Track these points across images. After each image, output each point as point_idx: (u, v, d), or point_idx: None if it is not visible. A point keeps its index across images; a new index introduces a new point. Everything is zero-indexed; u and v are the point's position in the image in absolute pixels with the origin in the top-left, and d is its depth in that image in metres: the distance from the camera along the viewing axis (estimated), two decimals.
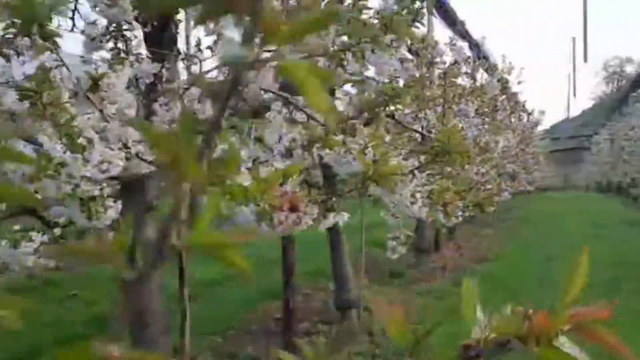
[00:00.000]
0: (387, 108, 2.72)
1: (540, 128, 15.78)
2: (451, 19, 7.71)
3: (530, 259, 7.12)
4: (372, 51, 2.26)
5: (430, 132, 4.00)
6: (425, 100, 4.07)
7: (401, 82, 4.23)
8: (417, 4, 4.37)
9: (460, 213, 2.38)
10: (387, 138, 1.83)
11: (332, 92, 2.61)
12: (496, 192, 6.60)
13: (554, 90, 67.78)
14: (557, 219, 12.29)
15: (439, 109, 4.36)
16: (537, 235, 9.56)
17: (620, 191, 20.83)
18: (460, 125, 4.99)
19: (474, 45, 10.44)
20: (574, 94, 20.37)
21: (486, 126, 6.61)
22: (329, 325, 4.22)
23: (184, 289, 2.45)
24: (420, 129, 4.05)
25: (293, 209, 0.92)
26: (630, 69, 42.89)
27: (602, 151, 18.74)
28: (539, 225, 10.97)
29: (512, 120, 9.70)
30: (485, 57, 9.83)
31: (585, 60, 10.52)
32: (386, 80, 4.17)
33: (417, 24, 4.64)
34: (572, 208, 15.77)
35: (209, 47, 1.85)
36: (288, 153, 1.60)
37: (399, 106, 3.96)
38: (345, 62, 2.62)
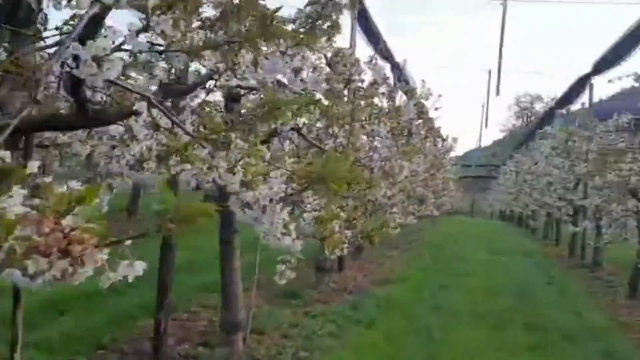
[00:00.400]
0: (286, 121, 2.49)
1: (452, 154, 16.26)
2: (375, 37, 7.67)
3: (429, 285, 7.14)
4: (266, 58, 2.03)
5: (340, 150, 3.82)
6: (334, 116, 3.89)
7: (318, 95, 4.03)
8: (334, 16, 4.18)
9: (345, 246, 2.18)
10: (268, 155, 1.59)
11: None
12: (400, 217, 6.56)
13: (468, 120, 70.95)
14: (459, 244, 12.63)
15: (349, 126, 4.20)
16: (439, 259, 9.70)
17: (521, 221, 21.92)
18: (369, 145, 4.89)
19: (395, 67, 10.53)
20: (486, 125, 21.24)
21: (397, 149, 6.56)
22: (211, 348, 3.90)
23: (18, 312, 2.07)
24: (330, 146, 3.88)
25: (65, 252, 0.65)
26: (539, 107, 45.69)
27: (507, 182, 19.62)
28: (441, 249, 11.19)
29: (427, 144, 9.82)
30: (406, 81, 9.91)
31: (498, 94, 10.92)
32: (296, 89, 3.91)
33: (335, 39, 4.45)
34: (475, 233, 16.36)
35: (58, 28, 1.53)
36: (139, 164, 1.32)
37: (303, 119, 3.74)
38: (238, 64, 2.36)
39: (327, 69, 3.93)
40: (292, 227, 1.47)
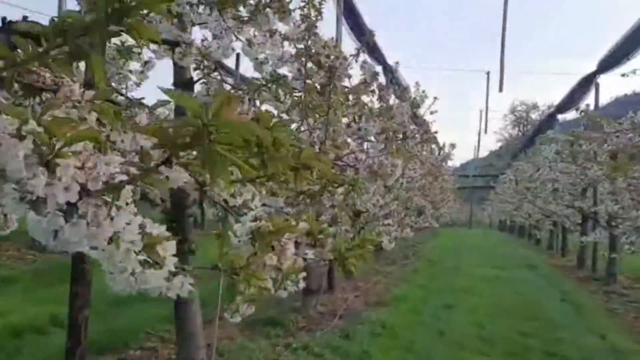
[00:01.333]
0: None
1: (450, 164, 15.57)
2: (360, 29, 6.96)
3: (429, 305, 6.36)
4: None
5: (317, 145, 3.10)
6: (308, 107, 3.16)
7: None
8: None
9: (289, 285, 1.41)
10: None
11: None
12: (396, 230, 5.82)
13: (463, 131, 70.38)
14: (460, 258, 11.84)
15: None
16: (439, 276, 8.91)
17: (522, 232, 21.17)
18: (357, 147, 4.17)
19: (388, 71, 9.81)
20: (485, 131, 20.52)
21: (389, 152, 5.85)
22: None
23: None
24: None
25: None
26: (535, 116, 45.19)
27: (507, 191, 18.89)
28: (441, 265, 10.39)
29: (424, 152, 9.11)
30: (398, 85, 9.17)
31: (501, 90, 10.24)
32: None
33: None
34: (475, 245, 15.57)
35: None
36: None
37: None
38: None
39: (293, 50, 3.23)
40: (168, 254, 0.74)
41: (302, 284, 1.35)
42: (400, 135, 6.75)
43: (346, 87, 4.80)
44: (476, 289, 7.71)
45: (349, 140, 4.12)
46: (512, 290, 7.81)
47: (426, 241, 15.67)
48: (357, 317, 5.52)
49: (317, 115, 3.14)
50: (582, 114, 7.61)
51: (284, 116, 3.54)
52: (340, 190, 2.67)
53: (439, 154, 11.93)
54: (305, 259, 1.33)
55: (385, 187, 4.76)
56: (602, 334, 5.28)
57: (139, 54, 2.71)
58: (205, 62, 2.74)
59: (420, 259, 11.18)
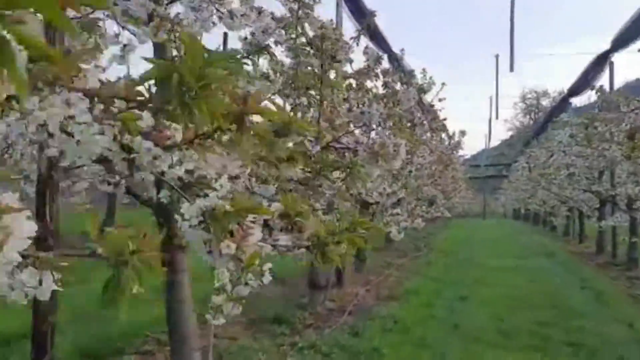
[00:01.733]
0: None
1: (461, 153, 15.26)
2: (360, 11, 6.67)
3: (443, 298, 6.08)
4: None
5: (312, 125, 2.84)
6: (302, 81, 2.92)
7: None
8: None
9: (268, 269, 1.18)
10: None
11: None
12: (406, 220, 5.55)
13: (475, 119, 69.50)
14: (474, 248, 11.53)
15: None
16: (453, 267, 8.63)
17: (537, 219, 20.76)
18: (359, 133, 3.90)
19: (393, 59, 9.50)
20: (496, 116, 20.10)
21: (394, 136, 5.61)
22: None
23: None
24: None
25: None
26: (546, 103, 44.52)
27: (520, 179, 18.51)
28: (454, 256, 10.09)
29: (433, 141, 8.82)
30: (404, 72, 8.85)
31: (512, 69, 9.86)
32: None
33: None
34: (490, 235, 15.23)
35: None
36: None
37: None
38: None
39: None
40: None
41: (267, 277, 1.10)
42: (408, 123, 6.49)
43: (348, 72, 4.55)
44: (492, 279, 7.42)
45: (352, 128, 3.86)
46: (529, 280, 7.51)
47: (439, 232, 15.37)
48: (367, 312, 5.27)
49: (312, 93, 2.89)
50: (598, 93, 7.27)
51: (277, 98, 3.29)
52: (336, 174, 2.41)
53: (449, 143, 11.64)
54: (275, 247, 1.07)
55: (393, 175, 4.50)
56: (629, 322, 4.98)
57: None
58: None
59: (433, 250, 10.89)
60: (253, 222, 1.03)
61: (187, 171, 1.25)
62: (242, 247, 0.97)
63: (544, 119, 21.00)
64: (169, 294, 3.04)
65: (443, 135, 11.22)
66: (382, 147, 2.56)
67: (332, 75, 3.26)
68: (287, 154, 2.41)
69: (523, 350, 4.21)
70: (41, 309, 1.93)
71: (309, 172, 2.49)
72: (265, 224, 1.14)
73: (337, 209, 2.34)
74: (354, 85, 5.08)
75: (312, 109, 2.90)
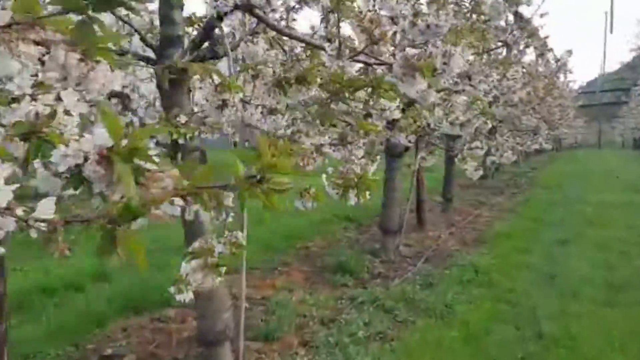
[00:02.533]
0: None
1: (570, 78, 13.61)
2: None
3: (539, 242, 5.29)
4: None
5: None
6: None
7: None
8: None
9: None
10: None
11: None
12: (495, 153, 4.79)
13: (587, 41, 62.97)
14: (584, 183, 10.27)
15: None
16: (556, 204, 7.64)
17: None
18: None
19: None
20: (611, 30, 17.76)
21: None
22: None
23: None
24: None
25: None
26: None
27: None
28: (560, 192, 8.99)
29: (530, 61, 7.68)
30: None
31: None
32: None
33: None
34: (604, 168, 13.65)
35: None
36: None
37: None
38: None
39: None
40: None
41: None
42: (499, 43, 5.55)
43: None
44: (603, 218, 6.43)
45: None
46: None
47: (543, 166, 14.04)
48: (446, 259, 4.66)
49: None
50: None
51: None
52: (361, 95, 1.80)
53: (556, 66, 10.26)
54: None
55: (471, 101, 3.74)
56: None
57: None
58: None
59: (534, 186, 9.82)
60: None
61: None
62: None
63: None
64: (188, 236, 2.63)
65: (549, 56, 9.89)
66: (423, 57, 1.89)
67: None
68: (297, 73, 1.83)
69: (635, 309, 3.44)
70: None
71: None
72: None
73: (351, 141, 1.74)
74: None
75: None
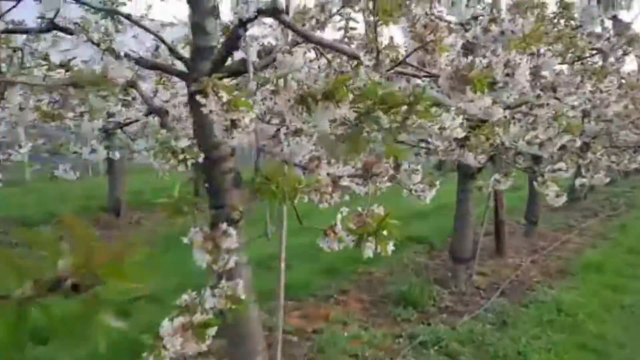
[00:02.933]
0: None
1: None
2: None
3: (638, 277, 4.61)
4: None
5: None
6: None
7: None
8: None
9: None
10: None
11: None
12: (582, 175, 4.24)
13: None
14: None
15: None
16: None
17: None
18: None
19: None
20: None
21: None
22: None
23: None
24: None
25: None
26: None
27: None
28: None
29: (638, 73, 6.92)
30: None
31: None
32: None
33: None
34: None
35: None
36: None
37: None
38: None
39: None
40: None
41: None
42: (594, 51, 4.97)
43: None
44: None
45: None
46: None
47: None
48: (525, 293, 4.14)
49: None
50: None
51: None
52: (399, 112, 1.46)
53: None
54: None
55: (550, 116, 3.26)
56: None
57: None
58: None
59: (634, 209, 8.86)
60: None
61: None
62: None
63: None
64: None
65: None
66: (478, 67, 1.54)
67: None
68: (324, 88, 1.52)
69: None
70: None
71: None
72: None
73: (377, 174, 1.40)
74: None
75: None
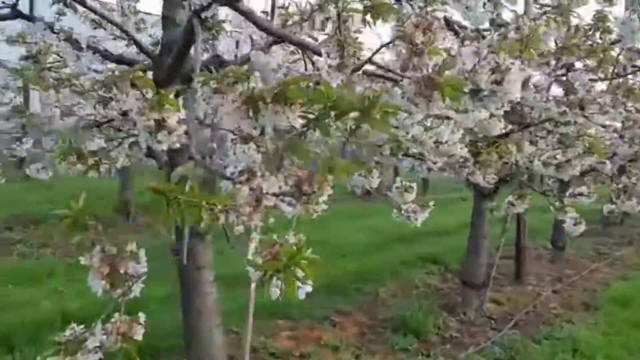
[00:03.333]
0: None
1: None
2: None
3: None
4: None
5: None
6: None
7: None
8: None
9: None
10: None
11: None
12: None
13: None
14: None
15: None
16: None
17: None
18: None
19: None
20: None
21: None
22: None
23: None
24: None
25: None
26: None
27: None
28: None
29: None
30: None
31: None
32: None
33: None
34: None
35: None
36: None
37: None
38: None
39: None
40: None
41: None
42: (630, 67, 4.61)
43: None
44: None
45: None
46: None
47: None
48: (540, 327, 3.79)
49: None
50: None
51: None
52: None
53: None
54: None
55: (561, 135, 2.94)
56: None
57: None
58: None
59: None
60: None
61: None
62: None
63: None
64: (184, 301, 2.17)
65: None
66: (442, 72, 1.28)
67: None
68: (275, 89, 1.27)
69: None
70: None
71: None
72: None
73: (312, 193, 1.14)
74: None
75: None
